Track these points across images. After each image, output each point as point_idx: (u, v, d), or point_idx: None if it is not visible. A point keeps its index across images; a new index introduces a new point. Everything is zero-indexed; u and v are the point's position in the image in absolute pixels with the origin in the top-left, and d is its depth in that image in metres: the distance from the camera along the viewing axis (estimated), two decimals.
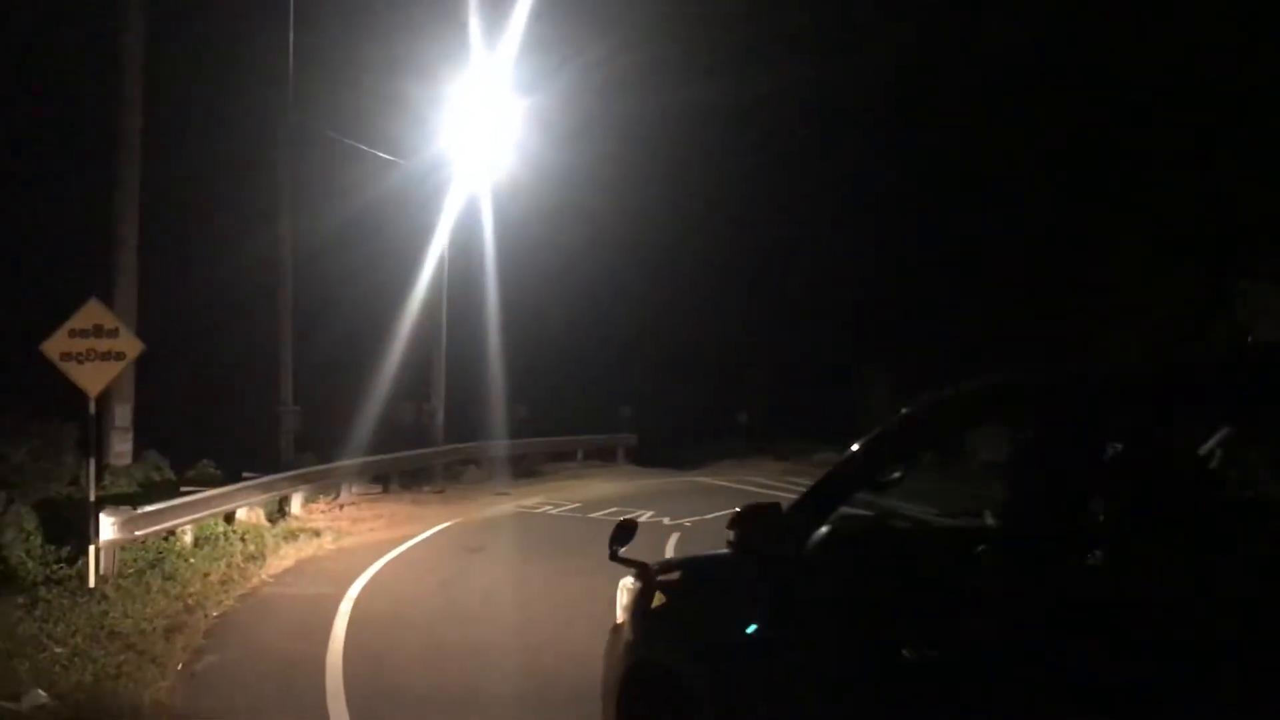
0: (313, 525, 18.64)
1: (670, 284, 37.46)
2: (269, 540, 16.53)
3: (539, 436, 31.64)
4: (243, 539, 16.31)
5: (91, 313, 12.48)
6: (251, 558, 15.23)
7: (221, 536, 16.21)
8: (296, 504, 19.86)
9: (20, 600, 11.17)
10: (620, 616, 5.45)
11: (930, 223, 33.09)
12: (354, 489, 23.37)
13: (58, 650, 9.55)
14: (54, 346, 12.25)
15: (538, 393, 33.20)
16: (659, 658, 4.98)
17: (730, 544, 4.69)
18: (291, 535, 17.38)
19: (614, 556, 5.42)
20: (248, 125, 26.12)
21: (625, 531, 5.49)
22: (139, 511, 13.68)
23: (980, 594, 3.82)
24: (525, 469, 29.79)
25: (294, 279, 22.85)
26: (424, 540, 17.97)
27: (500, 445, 30.08)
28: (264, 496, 18.42)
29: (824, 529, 4.44)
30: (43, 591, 11.65)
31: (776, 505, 4.69)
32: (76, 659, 9.34)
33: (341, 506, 21.45)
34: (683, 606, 4.95)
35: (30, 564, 12.75)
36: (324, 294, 28.36)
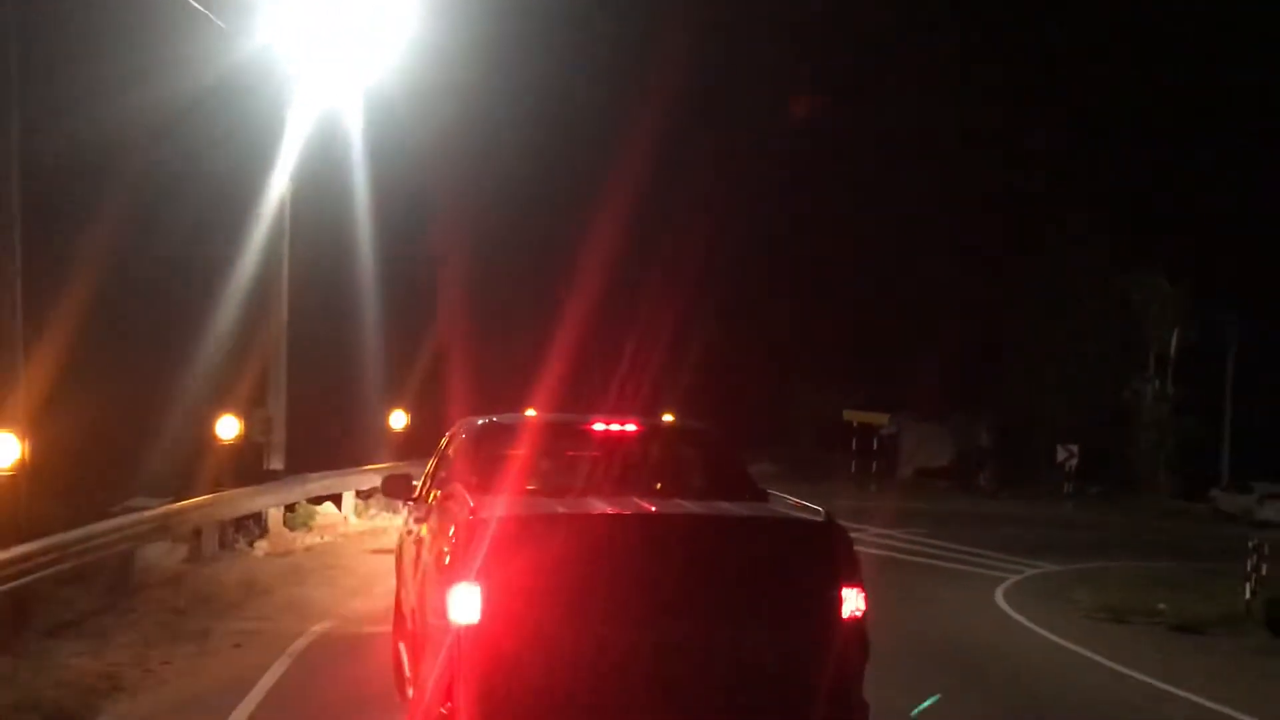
0: (59, 672, 9.31)
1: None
2: None
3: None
4: None
5: None
6: None
7: None
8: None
9: None
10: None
11: None
12: (144, 555, 14.07)
13: None
14: None
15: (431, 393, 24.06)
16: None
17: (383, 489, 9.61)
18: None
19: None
20: None
21: (401, 482, 8.71)
22: None
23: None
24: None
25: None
26: (273, 692, 9.06)
27: (370, 472, 21.10)
28: None
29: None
30: None
31: (408, 475, 9.04)
32: None
33: (133, 591, 12.19)
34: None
35: None
36: (107, 251, 18.86)
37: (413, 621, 7.05)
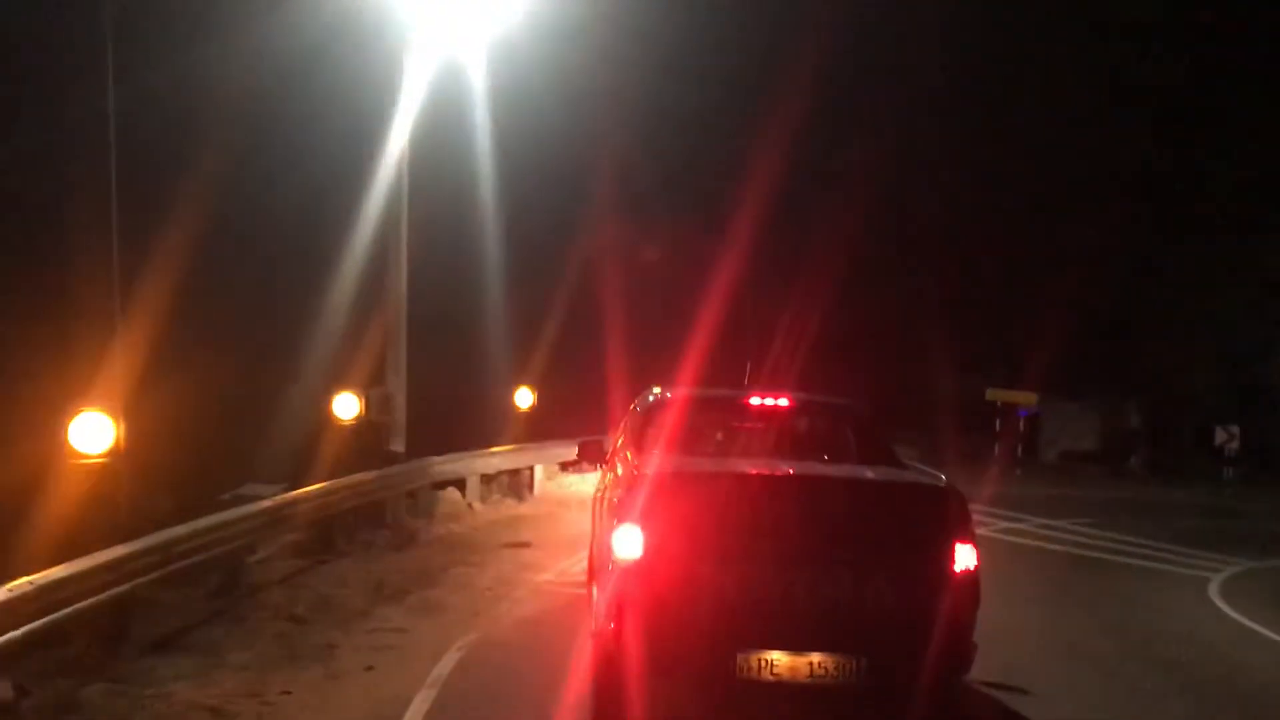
0: (160, 703, 7.86)
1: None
2: None
3: (565, 439, 20.43)
4: None
5: None
6: None
7: None
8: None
9: None
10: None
11: None
12: (260, 552, 12.74)
13: None
14: None
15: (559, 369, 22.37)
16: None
17: (579, 455, 10.95)
18: None
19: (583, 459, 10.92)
20: None
21: (596, 448, 10.17)
22: None
23: None
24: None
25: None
26: None
27: (495, 455, 19.59)
28: None
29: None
30: None
31: (600, 442, 10.59)
32: None
33: (244, 595, 10.79)
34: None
35: None
36: (214, 220, 17.53)
37: (597, 560, 8.17)
